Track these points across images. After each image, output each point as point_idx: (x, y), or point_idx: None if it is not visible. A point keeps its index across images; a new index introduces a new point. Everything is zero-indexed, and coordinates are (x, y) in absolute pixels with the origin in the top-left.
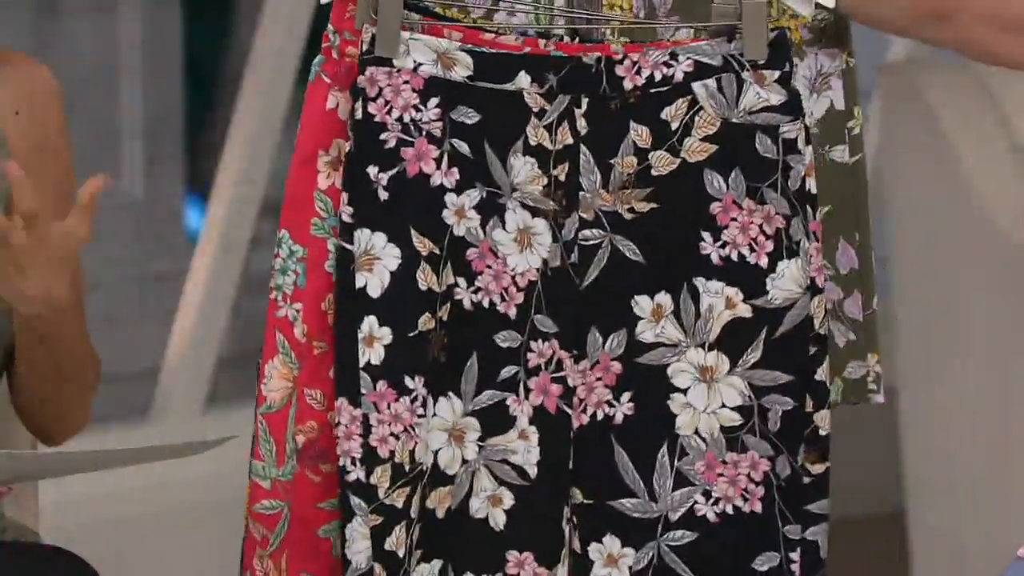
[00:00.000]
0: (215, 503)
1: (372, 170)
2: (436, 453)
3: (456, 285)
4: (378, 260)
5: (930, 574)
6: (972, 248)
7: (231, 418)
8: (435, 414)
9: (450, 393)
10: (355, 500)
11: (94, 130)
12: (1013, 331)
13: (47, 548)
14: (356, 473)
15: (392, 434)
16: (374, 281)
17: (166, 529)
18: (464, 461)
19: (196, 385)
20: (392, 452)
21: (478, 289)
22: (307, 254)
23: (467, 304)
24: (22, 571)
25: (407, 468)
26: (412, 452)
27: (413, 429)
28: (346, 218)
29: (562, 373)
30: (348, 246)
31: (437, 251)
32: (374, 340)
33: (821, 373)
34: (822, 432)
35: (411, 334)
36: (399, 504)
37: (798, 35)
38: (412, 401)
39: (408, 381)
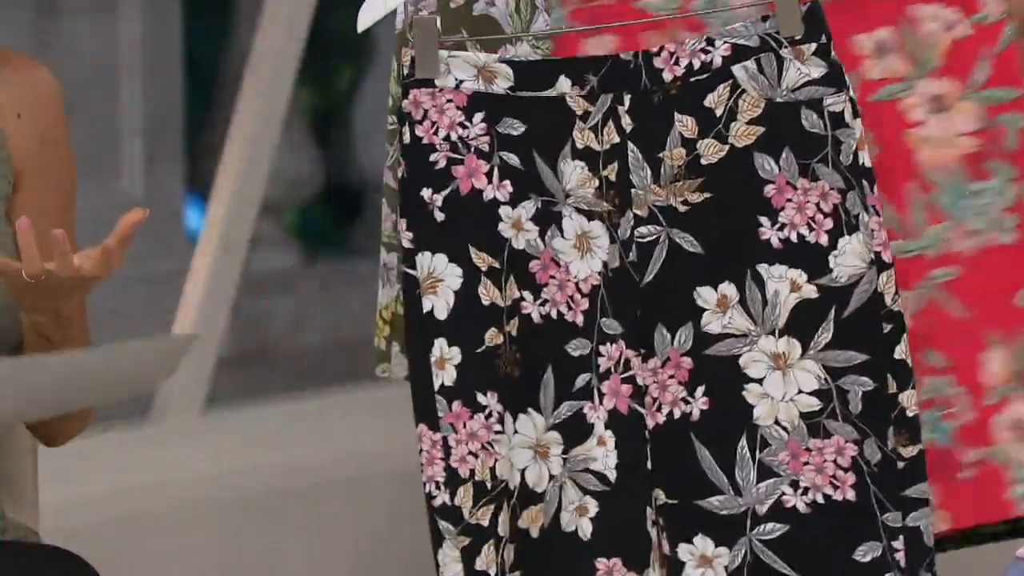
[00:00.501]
0: (215, 503)
1: (426, 192)
2: (523, 472)
3: (522, 299)
4: (441, 282)
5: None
6: None
7: (231, 418)
8: (516, 431)
9: (529, 409)
10: (443, 524)
11: (94, 130)
12: None
13: (47, 548)
14: (441, 497)
15: (471, 452)
16: (440, 303)
17: (166, 529)
18: (551, 476)
19: (196, 385)
20: (472, 471)
21: (544, 301)
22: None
23: (536, 318)
24: (22, 571)
25: (489, 486)
26: (493, 469)
27: (491, 446)
28: (407, 244)
29: (630, 373)
30: (411, 272)
31: (497, 265)
32: (445, 362)
33: (900, 351)
34: (910, 413)
35: (479, 350)
36: (484, 523)
37: None
38: (487, 417)
39: (480, 398)
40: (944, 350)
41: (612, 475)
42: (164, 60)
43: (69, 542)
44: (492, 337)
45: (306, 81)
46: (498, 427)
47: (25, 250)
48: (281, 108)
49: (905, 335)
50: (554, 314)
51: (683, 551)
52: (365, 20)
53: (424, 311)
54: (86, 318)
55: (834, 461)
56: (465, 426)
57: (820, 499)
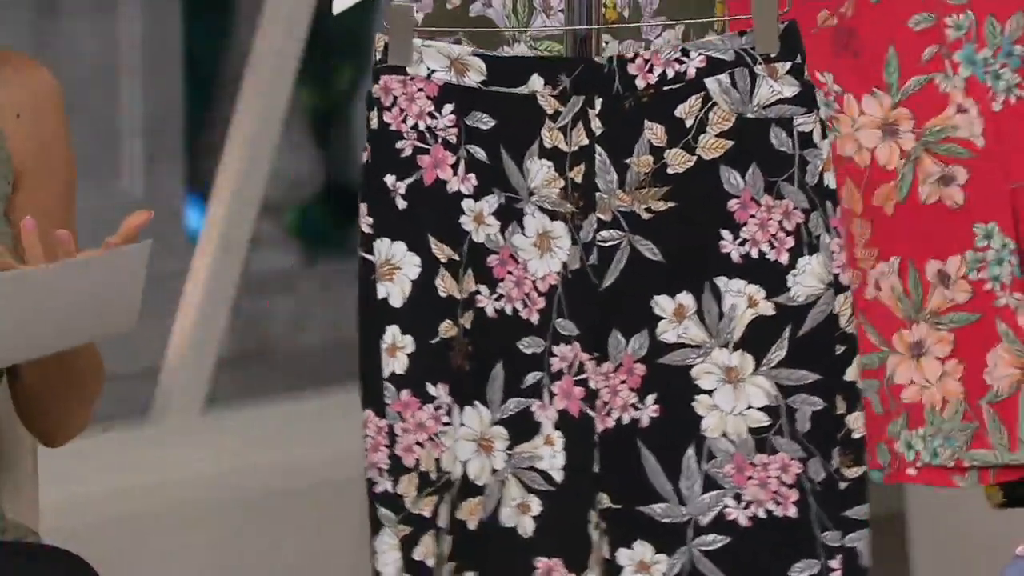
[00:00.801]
0: (215, 503)
1: (389, 179)
2: (465, 464)
3: (478, 292)
4: (399, 269)
5: (931, 574)
6: None
7: (231, 418)
8: (463, 424)
9: (476, 402)
10: (383, 511)
11: (94, 130)
12: None
13: (47, 548)
14: (383, 484)
15: (417, 443)
16: (395, 290)
17: (166, 529)
18: (494, 471)
19: (196, 385)
20: (417, 461)
21: (500, 296)
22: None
23: (490, 312)
24: (22, 571)
25: (433, 477)
26: (438, 461)
27: (438, 437)
28: (366, 228)
29: (584, 376)
30: (368, 256)
31: (456, 257)
32: (397, 349)
33: (851, 373)
34: (856, 435)
35: (432, 341)
36: (426, 513)
37: None
38: (436, 409)
39: (431, 389)
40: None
41: (559, 476)
42: (164, 60)
43: (69, 542)
44: (447, 329)
45: (306, 81)
46: (446, 419)
47: (29, 250)
48: (281, 108)
49: (857, 358)
50: (509, 310)
51: (623, 556)
52: (341, 4)
53: (378, 297)
54: None
55: (778, 477)
56: (413, 416)
57: (762, 514)
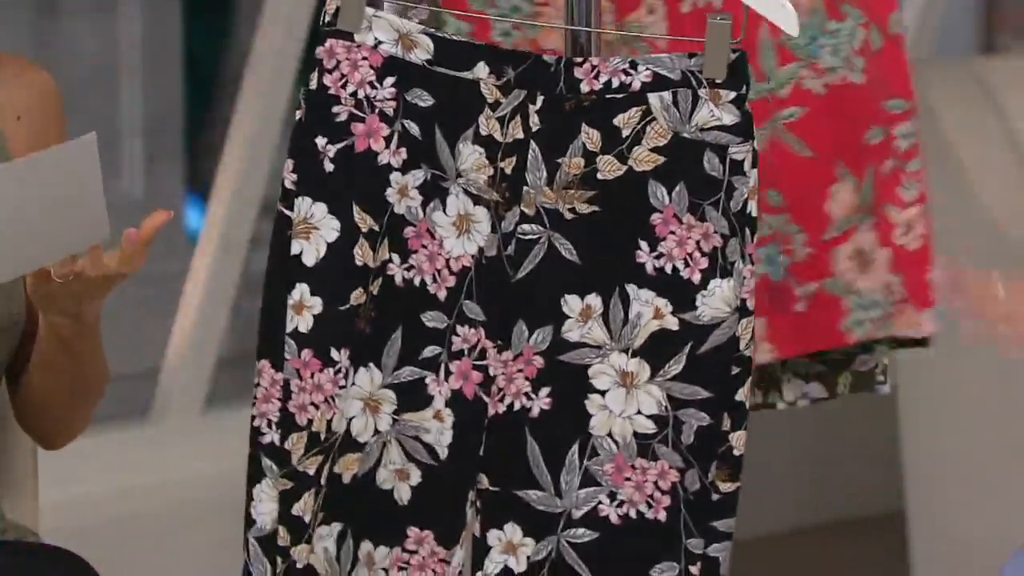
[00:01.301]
0: (215, 503)
1: (320, 141)
2: (350, 421)
3: (390, 261)
4: (316, 230)
5: (931, 574)
6: (972, 248)
7: (231, 418)
8: (354, 383)
9: (371, 364)
10: (267, 462)
11: (94, 129)
12: None
13: (47, 548)
14: (271, 436)
15: (312, 403)
16: (310, 250)
17: (166, 529)
18: (376, 431)
19: (196, 385)
20: (310, 421)
21: (411, 267)
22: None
23: (398, 280)
24: (22, 571)
25: (323, 437)
26: (329, 422)
27: (333, 400)
28: (288, 184)
29: (484, 362)
30: (287, 212)
31: (376, 228)
32: (303, 308)
33: (741, 394)
34: (736, 452)
35: (342, 307)
36: (311, 471)
37: None
38: (336, 373)
39: (334, 353)
40: (784, 190)
41: (443, 452)
42: (164, 60)
43: (69, 542)
44: (357, 297)
45: (305, 82)
46: (343, 382)
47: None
48: (281, 108)
49: (749, 379)
50: (417, 281)
51: (492, 536)
52: None
53: (292, 253)
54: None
55: (655, 483)
56: (313, 377)
57: (633, 514)
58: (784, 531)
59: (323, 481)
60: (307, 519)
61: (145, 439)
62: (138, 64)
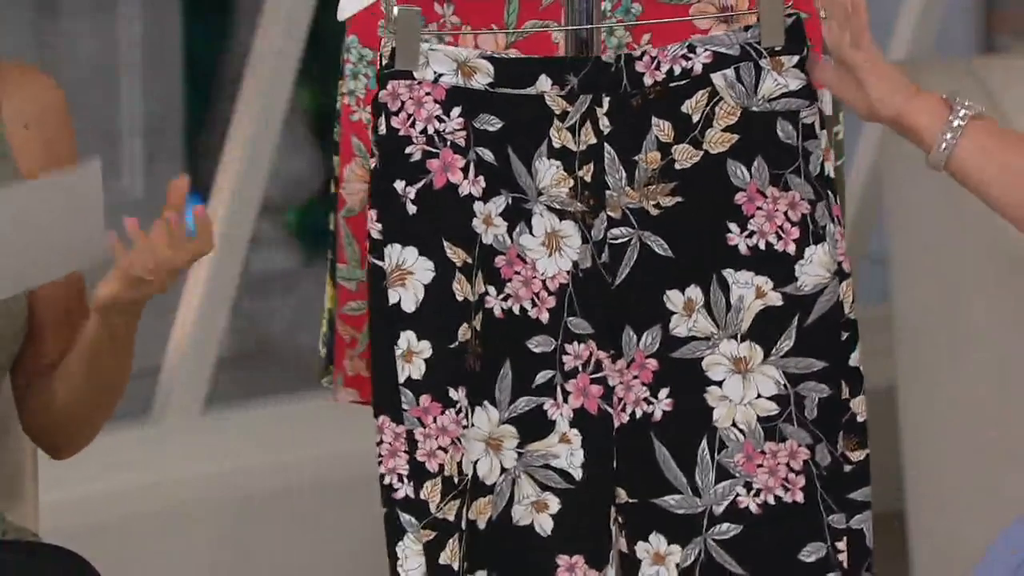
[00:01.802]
0: (215, 503)
1: (399, 184)
2: (475, 464)
3: (487, 293)
4: (411, 275)
5: (930, 574)
6: (972, 248)
7: (231, 418)
8: (473, 424)
9: (485, 402)
10: (406, 517)
11: (94, 129)
12: (1013, 331)
13: (47, 548)
14: (404, 490)
15: (440, 447)
16: (408, 296)
17: (166, 529)
18: (503, 470)
19: (196, 385)
20: (441, 466)
21: (507, 296)
22: (376, 57)
23: (498, 312)
24: (22, 571)
25: (456, 480)
26: (460, 464)
27: (459, 441)
28: (375, 235)
29: (601, 373)
30: (379, 263)
31: (470, 260)
32: (413, 355)
33: (855, 359)
34: (860, 419)
35: (452, 345)
36: (451, 517)
37: None
38: (457, 413)
39: (452, 393)
40: None
41: (577, 473)
42: (164, 60)
43: (69, 542)
44: (464, 332)
45: (306, 81)
46: (466, 422)
47: (154, 241)
48: (281, 108)
49: (858, 343)
50: (516, 310)
51: (640, 549)
52: (348, 9)
53: (390, 303)
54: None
55: (787, 464)
56: (435, 421)
57: (771, 500)
58: None
59: (464, 527)
60: (456, 567)
61: (145, 439)
62: (138, 64)
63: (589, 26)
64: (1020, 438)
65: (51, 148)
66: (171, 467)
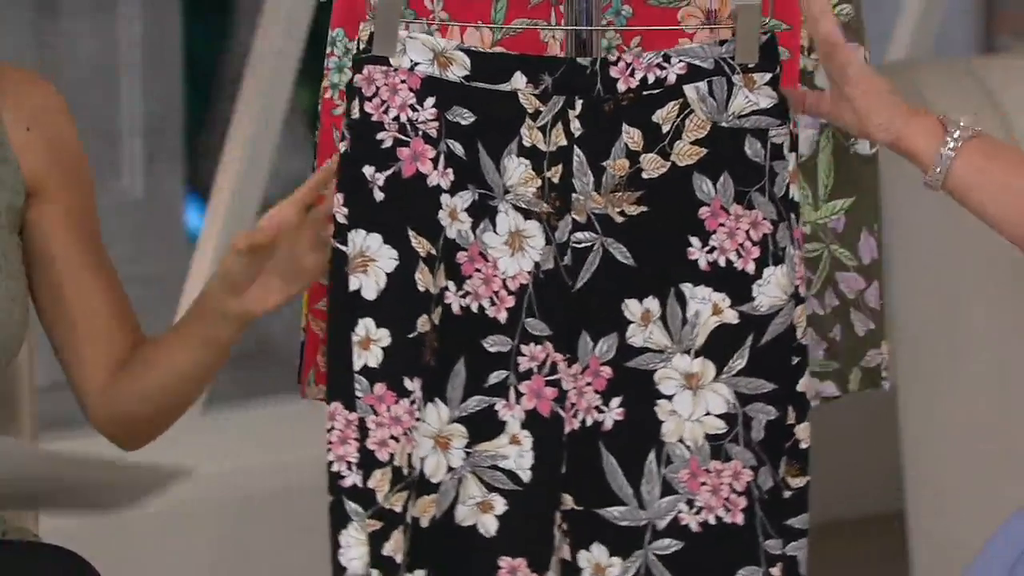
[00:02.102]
0: (215, 503)
1: (368, 170)
2: (422, 460)
3: (446, 288)
4: (373, 261)
5: (930, 574)
6: (972, 248)
7: (231, 418)
8: (423, 420)
9: (436, 399)
10: (352, 506)
11: (94, 129)
12: (1013, 331)
13: (47, 548)
14: (352, 478)
15: (392, 437)
16: (369, 283)
17: (166, 529)
18: (450, 469)
19: None
20: (392, 455)
21: (467, 293)
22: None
23: (456, 308)
24: (22, 571)
25: (405, 472)
26: (410, 456)
27: (411, 432)
28: (340, 219)
29: (556, 376)
30: (342, 247)
31: (434, 252)
32: (371, 342)
33: (803, 384)
34: (803, 445)
35: (411, 335)
36: (398, 508)
37: None
38: (411, 403)
39: (407, 383)
40: None
41: (526, 475)
42: (164, 60)
43: (69, 542)
44: (423, 324)
45: (306, 81)
46: (419, 414)
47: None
48: (281, 108)
49: (808, 370)
50: (475, 307)
51: (582, 558)
52: None
53: (350, 289)
54: None
55: (730, 484)
56: (389, 410)
57: (712, 520)
58: None
59: (410, 519)
60: (398, 560)
61: None
62: (138, 64)
63: (587, 27)
64: (1020, 440)
65: (55, 148)
66: None
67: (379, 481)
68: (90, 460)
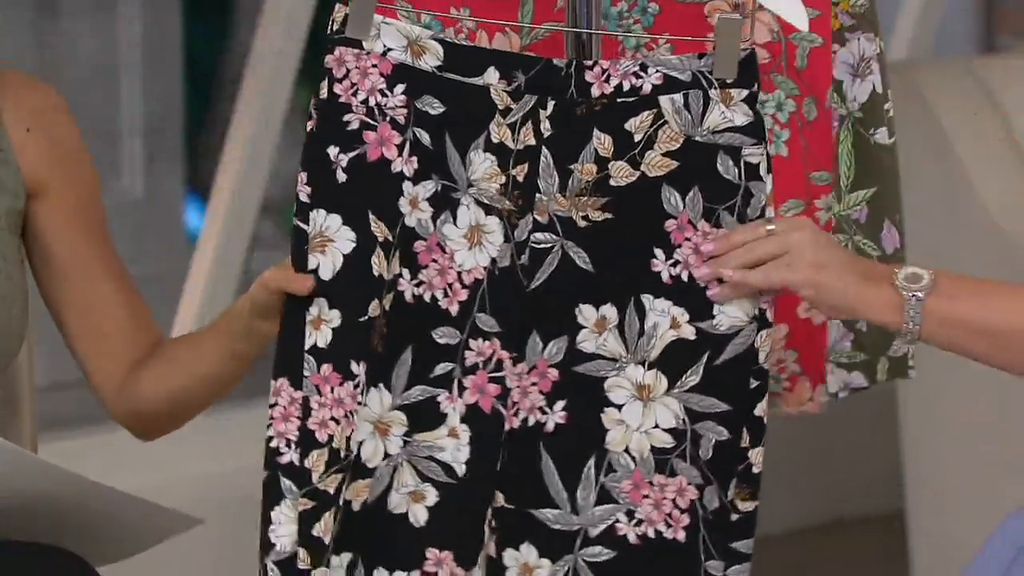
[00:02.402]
0: (216, 503)
1: (332, 151)
2: (360, 445)
3: (400, 276)
4: (331, 242)
5: (930, 575)
6: (971, 246)
7: (231, 418)
8: (364, 404)
9: (380, 385)
10: (286, 483)
11: (94, 129)
12: None
13: (47, 548)
14: (290, 455)
15: (332, 418)
16: (326, 263)
17: None
18: (387, 455)
19: None
20: (331, 436)
21: (421, 283)
22: None
23: (408, 296)
24: (22, 571)
25: (342, 454)
26: (348, 439)
27: (353, 415)
28: (303, 198)
29: (501, 373)
30: (303, 226)
31: (391, 238)
32: (322, 322)
33: (760, 409)
34: (755, 470)
35: (361, 319)
36: (331, 490)
37: (838, 22)
38: (355, 387)
39: (354, 366)
40: None
41: (460, 469)
42: (164, 60)
43: None
44: (374, 308)
45: (306, 81)
46: (361, 398)
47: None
48: (281, 108)
49: (767, 394)
50: (427, 297)
51: (508, 556)
52: None
53: (309, 268)
54: None
55: (673, 500)
56: (333, 391)
57: (651, 534)
58: (784, 531)
59: (341, 502)
60: (327, 541)
61: None
62: (138, 64)
63: (590, 31)
64: (1020, 440)
65: (56, 147)
66: (171, 467)
67: (315, 461)
68: (113, 491)
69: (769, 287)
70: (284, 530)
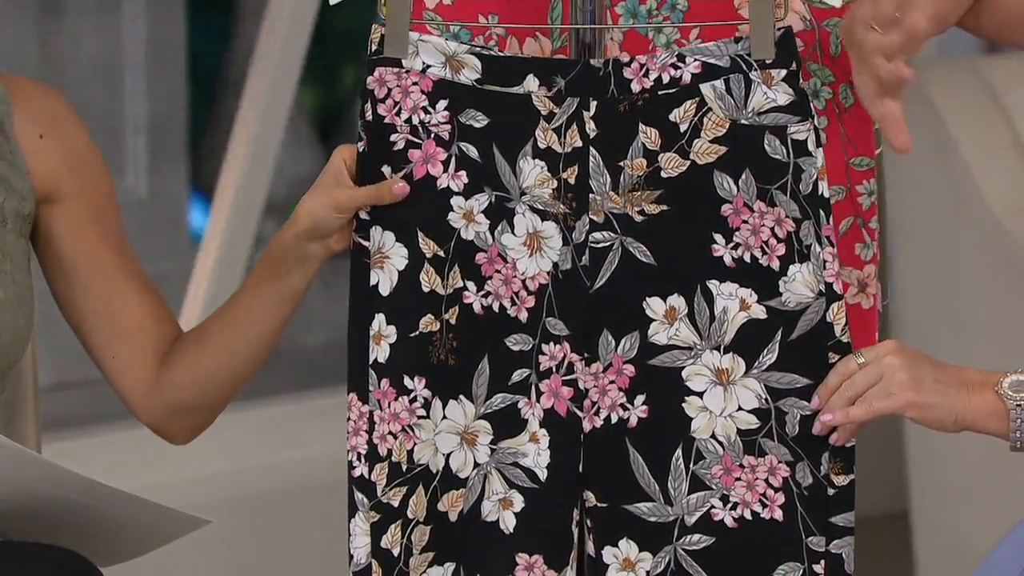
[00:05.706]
0: (216, 503)
1: (386, 169)
2: (448, 456)
3: (465, 288)
4: (388, 259)
5: (934, 574)
6: (974, 247)
7: (231, 418)
8: (445, 417)
9: (461, 396)
10: (359, 496)
11: (98, 128)
12: (1015, 331)
13: (48, 548)
14: (360, 469)
15: (390, 432)
16: (385, 279)
17: None
18: (476, 464)
19: None
20: (390, 451)
21: (488, 293)
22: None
23: (477, 308)
24: (22, 570)
25: (404, 468)
26: (411, 452)
27: (412, 430)
28: (363, 215)
29: (573, 376)
30: (363, 242)
31: (442, 254)
32: (382, 338)
33: None
34: (848, 443)
35: (412, 335)
36: (395, 503)
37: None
38: (411, 402)
39: (407, 381)
40: None
41: (542, 474)
42: (168, 59)
43: None
44: (427, 324)
45: (310, 80)
46: (422, 412)
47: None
48: (285, 107)
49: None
50: (496, 307)
51: (607, 554)
52: None
53: (370, 283)
54: None
55: (766, 480)
56: (390, 406)
57: (748, 515)
58: None
59: (411, 515)
60: (396, 553)
61: (145, 439)
62: (142, 63)
63: (594, 26)
64: None
65: (69, 152)
66: (171, 467)
67: (379, 475)
68: (117, 491)
69: (875, 416)
70: (359, 542)
